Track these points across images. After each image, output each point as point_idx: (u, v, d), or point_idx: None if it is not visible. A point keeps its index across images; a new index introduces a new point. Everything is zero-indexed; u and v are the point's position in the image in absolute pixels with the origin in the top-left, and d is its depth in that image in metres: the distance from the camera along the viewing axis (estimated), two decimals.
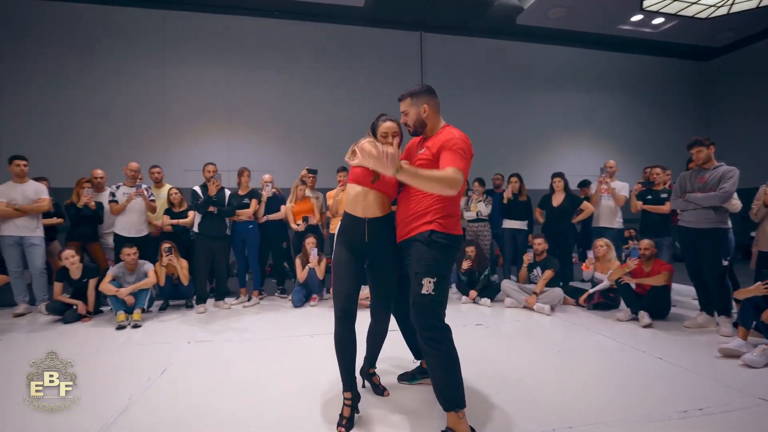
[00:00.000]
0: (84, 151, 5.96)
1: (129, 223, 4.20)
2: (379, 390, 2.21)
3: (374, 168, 1.69)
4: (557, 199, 4.69)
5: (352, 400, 1.89)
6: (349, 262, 1.91)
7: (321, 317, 3.89)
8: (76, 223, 4.17)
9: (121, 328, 3.50)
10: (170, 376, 2.51)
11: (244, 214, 4.39)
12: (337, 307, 1.87)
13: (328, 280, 4.36)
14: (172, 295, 4.29)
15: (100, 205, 4.27)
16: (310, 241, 4.31)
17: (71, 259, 3.73)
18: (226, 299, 4.34)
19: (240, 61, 6.71)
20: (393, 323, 2.16)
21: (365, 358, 2.23)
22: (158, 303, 4.26)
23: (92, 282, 3.82)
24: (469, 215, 5.13)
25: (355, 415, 1.90)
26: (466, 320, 3.72)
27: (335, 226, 4.83)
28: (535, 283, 4.15)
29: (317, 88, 6.92)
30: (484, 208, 5.05)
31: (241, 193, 4.48)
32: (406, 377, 2.33)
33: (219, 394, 2.23)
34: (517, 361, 2.74)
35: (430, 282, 1.71)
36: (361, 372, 2.25)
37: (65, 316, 3.69)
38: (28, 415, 1.95)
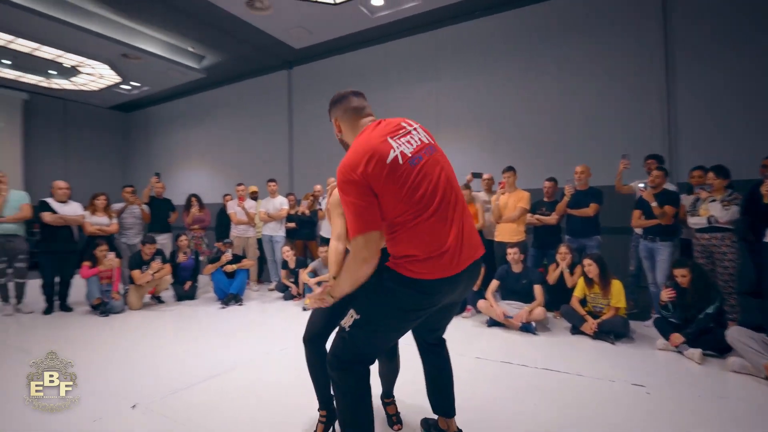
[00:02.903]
0: (325, 172, 7.77)
1: (328, 226, 5.28)
2: (391, 421, 2.00)
3: (325, 305, 1.58)
4: None
5: (327, 417, 1.85)
6: None
7: (467, 332, 3.67)
8: (300, 226, 5.62)
9: (305, 309, 4.51)
10: (277, 355, 3.09)
11: None
12: (311, 329, 1.84)
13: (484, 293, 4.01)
14: None
15: (314, 212, 5.57)
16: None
17: (288, 253, 5.10)
18: None
19: (446, 70, 6.97)
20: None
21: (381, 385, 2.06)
22: None
23: (301, 271, 5.07)
24: (697, 222, 3.46)
25: None
26: (631, 374, 2.58)
27: (500, 233, 4.40)
28: None
29: (519, 81, 6.28)
30: (720, 212, 3.29)
31: None
32: (423, 424, 1.97)
33: (295, 379, 2.59)
34: None
35: (351, 317, 1.47)
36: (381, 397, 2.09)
37: (285, 295, 5.09)
38: (160, 365, 2.94)
